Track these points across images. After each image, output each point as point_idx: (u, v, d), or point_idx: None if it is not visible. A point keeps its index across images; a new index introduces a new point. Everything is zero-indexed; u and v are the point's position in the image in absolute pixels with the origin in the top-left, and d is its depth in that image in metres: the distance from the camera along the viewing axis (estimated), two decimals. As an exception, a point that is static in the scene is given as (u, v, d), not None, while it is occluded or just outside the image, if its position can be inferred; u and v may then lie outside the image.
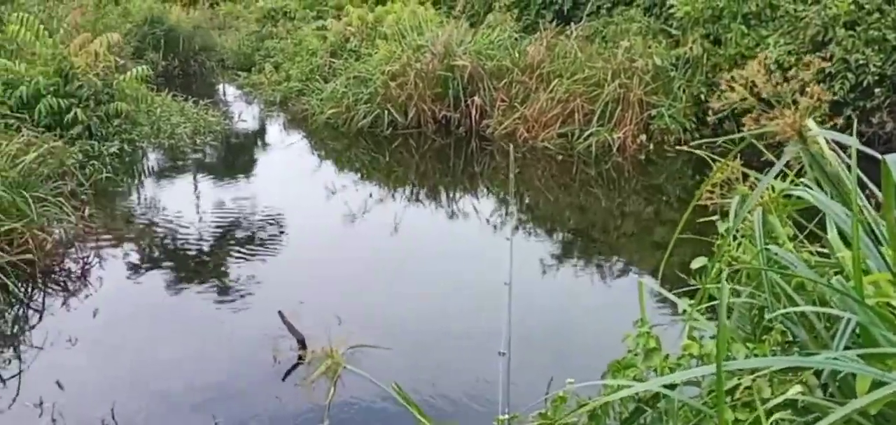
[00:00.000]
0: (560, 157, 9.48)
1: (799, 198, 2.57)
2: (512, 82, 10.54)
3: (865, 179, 2.41)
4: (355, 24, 13.22)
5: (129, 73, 9.83)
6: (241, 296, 5.54)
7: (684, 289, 3.05)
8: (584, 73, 9.90)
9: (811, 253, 2.64)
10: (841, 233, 2.38)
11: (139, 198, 8.37)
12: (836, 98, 8.39)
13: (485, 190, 8.88)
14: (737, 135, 7.44)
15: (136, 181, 8.87)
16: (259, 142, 11.60)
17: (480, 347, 4.18)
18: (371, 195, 8.28)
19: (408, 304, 5.32)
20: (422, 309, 5.25)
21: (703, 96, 9.41)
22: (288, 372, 4.29)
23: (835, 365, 1.89)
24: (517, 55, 10.85)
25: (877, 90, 8.62)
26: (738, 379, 2.10)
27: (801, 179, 2.67)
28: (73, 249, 6.33)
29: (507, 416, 2.31)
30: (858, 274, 1.96)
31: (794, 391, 1.87)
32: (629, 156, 9.33)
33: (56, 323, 5.09)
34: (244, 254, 6.45)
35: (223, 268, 6.16)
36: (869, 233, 2.19)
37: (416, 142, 10.58)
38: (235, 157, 10.53)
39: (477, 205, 8.04)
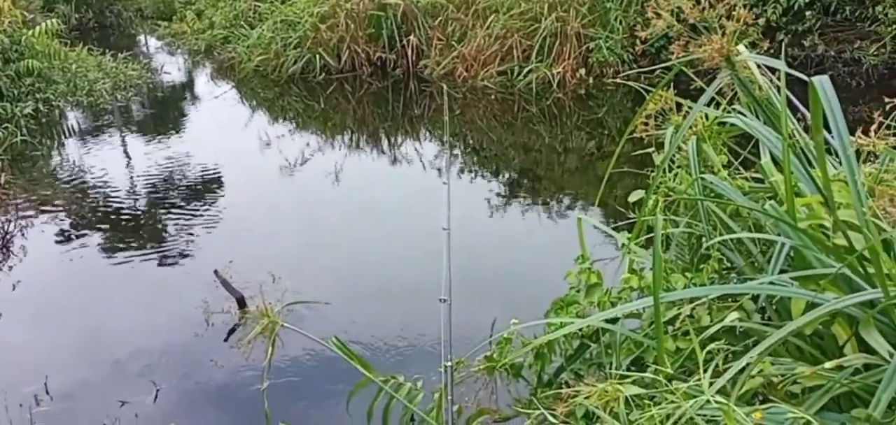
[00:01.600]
0: (500, 96, 9.49)
1: (732, 125, 2.63)
2: (447, 20, 10.45)
3: (797, 102, 2.47)
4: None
5: (38, 28, 9.37)
6: (176, 257, 5.44)
7: (624, 223, 3.12)
8: (520, 8, 9.87)
9: (746, 179, 2.70)
10: (774, 159, 2.45)
11: (60, 160, 8.06)
12: (770, 22, 8.58)
13: (426, 133, 8.85)
14: (666, 65, 7.56)
15: (56, 143, 8.55)
16: (185, 95, 11.28)
17: (421, 295, 4.21)
18: (307, 144, 8.17)
19: (347, 256, 5.31)
20: (361, 260, 5.25)
21: (639, 26, 9.49)
22: (229, 333, 4.26)
23: (770, 290, 1.96)
24: (451, -9, 10.75)
25: (808, 13, 8.84)
26: (678, 308, 2.16)
27: (735, 106, 2.73)
28: (-11, 219, 6.09)
29: (451, 362, 2.33)
30: (790, 197, 2.02)
31: (732, 317, 1.94)
32: (569, 91, 9.39)
33: (-24, 298, 4.91)
34: (176, 212, 6.31)
35: (155, 229, 6.02)
36: (801, 156, 2.25)
37: (352, 87, 10.45)
38: (161, 112, 10.22)
39: (418, 150, 8.01)
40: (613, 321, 2.26)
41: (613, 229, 2.94)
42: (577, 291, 2.58)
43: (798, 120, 2.47)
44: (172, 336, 4.32)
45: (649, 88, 3.37)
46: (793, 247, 2.11)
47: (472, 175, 7.20)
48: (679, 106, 2.78)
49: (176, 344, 4.24)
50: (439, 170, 7.23)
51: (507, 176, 7.23)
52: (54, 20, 9.78)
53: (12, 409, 3.68)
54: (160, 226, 6.08)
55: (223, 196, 6.74)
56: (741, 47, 2.05)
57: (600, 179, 6.75)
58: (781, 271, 2.12)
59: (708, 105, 2.46)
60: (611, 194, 5.22)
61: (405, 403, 2.42)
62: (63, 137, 8.78)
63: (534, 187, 6.90)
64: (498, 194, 6.57)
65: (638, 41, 6.05)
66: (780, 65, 1.97)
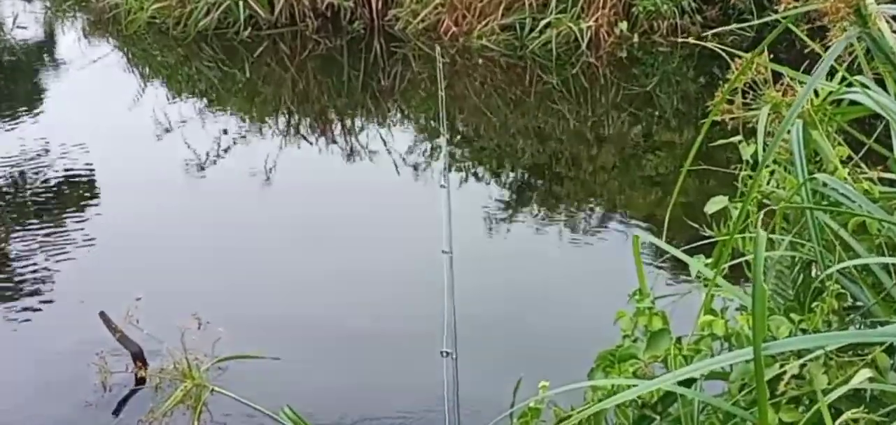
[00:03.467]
0: (506, 61, 9.56)
1: (853, 103, 2.67)
2: (429, -48, 10.52)
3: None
4: None
5: None
6: (43, 296, 5.43)
7: (692, 244, 3.16)
8: (534, -66, 9.97)
9: (872, 181, 2.74)
10: (914, 151, 2.50)
11: None
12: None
13: (399, 114, 8.89)
14: (759, 22, 7.61)
15: None
16: (48, 60, 11.27)
17: (412, 345, 4.24)
18: (225, 131, 8.19)
19: (299, 292, 5.32)
20: (321, 296, 5.26)
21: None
22: (123, 401, 4.26)
23: (914, 336, 2.00)
24: None
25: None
26: (781, 365, 2.20)
27: (855, 78, 2.78)
28: None
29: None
30: (942, 206, 2.07)
31: (860, 377, 1.97)
32: (605, 53, 9.48)
33: None
34: (40, 230, 6.29)
35: (10, 255, 6.00)
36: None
37: (291, 48, 10.49)
38: (14, 85, 10.20)
39: (389, 139, 8.05)
40: (689, 383, 2.29)
41: (684, 252, 2.97)
42: (634, 340, 2.61)
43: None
44: (40, 408, 4.32)
45: (728, 50, 3.43)
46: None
47: (469, 176, 7.24)
48: (776, 77, 2.83)
49: (47, 419, 4.24)
50: (420, 167, 7.26)
51: (518, 177, 7.29)
52: None
53: None
54: (15, 250, 6.06)
55: (104, 204, 6.72)
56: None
57: (650, 180, 6.89)
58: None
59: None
60: (663, 203, 5.27)
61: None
62: None
63: (557, 193, 6.95)
64: (507, 204, 6.62)
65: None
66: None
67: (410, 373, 4.14)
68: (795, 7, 2.16)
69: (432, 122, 7.79)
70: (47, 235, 6.21)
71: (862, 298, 2.39)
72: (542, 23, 9.69)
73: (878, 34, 2.22)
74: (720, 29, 8.49)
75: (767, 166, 2.83)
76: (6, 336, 5.02)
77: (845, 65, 2.76)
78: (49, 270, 5.71)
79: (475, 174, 7.28)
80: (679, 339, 2.54)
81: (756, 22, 7.55)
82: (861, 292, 2.40)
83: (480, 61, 9.64)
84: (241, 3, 10.64)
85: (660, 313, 2.60)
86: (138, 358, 4.32)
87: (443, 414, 2.50)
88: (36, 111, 9.16)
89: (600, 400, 2.45)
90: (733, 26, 8.48)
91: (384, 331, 4.82)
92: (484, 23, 9.93)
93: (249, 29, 10.65)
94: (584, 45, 9.50)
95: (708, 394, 2.32)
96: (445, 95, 8.29)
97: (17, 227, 6.36)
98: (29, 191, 7.01)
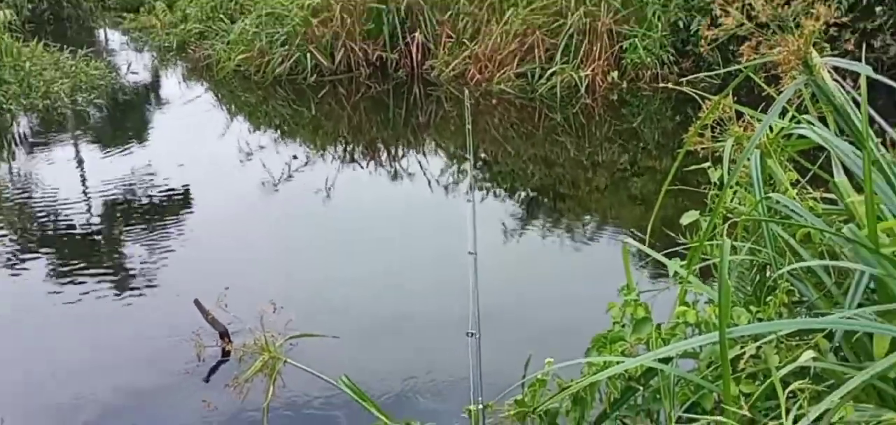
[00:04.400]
0: (519, 102, 9.56)
1: (801, 137, 2.67)
2: (458, 14, 10.55)
3: (875, 115, 2.52)
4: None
5: (-13, 20, 9.51)
6: (147, 286, 5.48)
7: (670, 249, 3.16)
8: (542, 1, 9.96)
9: (816, 200, 2.74)
10: (849, 176, 2.49)
11: (10, 170, 8.14)
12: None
13: (433, 144, 8.91)
14: (724, 71, 7.55)
15: (6, 152, 8.63)
16: (154, 99, 11.39)
17: (444, 328, 4.26)
18: (295, 157, 8.24)
19: (353, 284, 5.34)
20: (371, 287, 5.28)
21: (681, 22, 9.57)
22: (212, 371, 4.31)
23: (849, 325, 1.99)
24: (463, -19, 10.86)
25: (877, 9, 8.90)
26: (741, 347, 2.20)
27: (801, 116, 2.78)
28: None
29: (479, 405, 2.37)
30: (873, 220, 2.06)
31: (806, 356, 1.97)
32: (599, 96, 9.47)
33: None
34: (146, 235, 6.36)
35: (122, 254, 6.07)
36: (881, 174, 2.29)
37: (347, 91, 10.54)
38: (127, 118, 10.32)
39: (425, 164, 8.07)
40: (667, 360, 2.29)
41: (663, 255, 2.97)
42: (622, 326, 2.62)
43: (875, 134, 2.51)
44: (145, 376, 4.35)
45: (700, 93, 3.43)
46: (874, 278, 2.15)
47: (489, 193, 7.25)
48: (739, 114, 2.83)
49: (150, 385, 4.27)
50: (449, 186, 7.28)
51: (529, 194, 7.29)
52: (5, 11, 9.92)
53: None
54: (126, 250, 6.13)
55: (198, 215, 6.79)
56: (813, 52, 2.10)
57: (636, 198, 6.87)
58: (860, 305, 2.16)
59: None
60: (646, 216, 5.26)
61: (425, 453, 2.46)
62: (14, 145, 8.86)
63: (560, 208, 6.95)
64: (520, 216, 6.62)
65: (698, 40, 6.10)
66: (865, 68, 2.02)
67: (442, 350, 4.17)
68: (754, 59, 2.17)
69: (460, 150, 7.82)
70: (152, 238, 6.28)
71: (807, 294, 2.39)
72: (549, 72, 9.70)
73: (822, 81, 2.22)
74: (693, 77, 8.47)
75: (731, 187, 2.83)
76: (120, 318, 5.08)
77: (795, 106, 2.76)
78: (154, 266, 5.77)
79: (495, 192, 7.28)
80: (659, 326, 2.54)
81: (722, 70, 7.52)
82: (806, 289, 2.40)
83: (499, 102, 9.65)
84: (308, 55, 10.71)
85: (643, 304, 2.60)
86: (225, 336, 4.36)
87: (468, 383, 2.51)
88: (144, 140, 9.28)
89: (595, 374, 2.45)
90: (703, 74, 8.46)
91: (421, 316, 4.84)
92: (502, 71, 9.95)
93: (314, 75, 10.72)
94: (582, 90, 9.50)
95: (682, 370, 2.32)
96: (471, 129, 8.31)
97: (129, 232, 6.44)
98: (138, 203, 7.09)
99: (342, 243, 6.10)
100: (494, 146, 8.59)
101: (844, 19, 2.33)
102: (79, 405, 4.13)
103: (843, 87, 2.43)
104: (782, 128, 2.71)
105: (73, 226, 6.59)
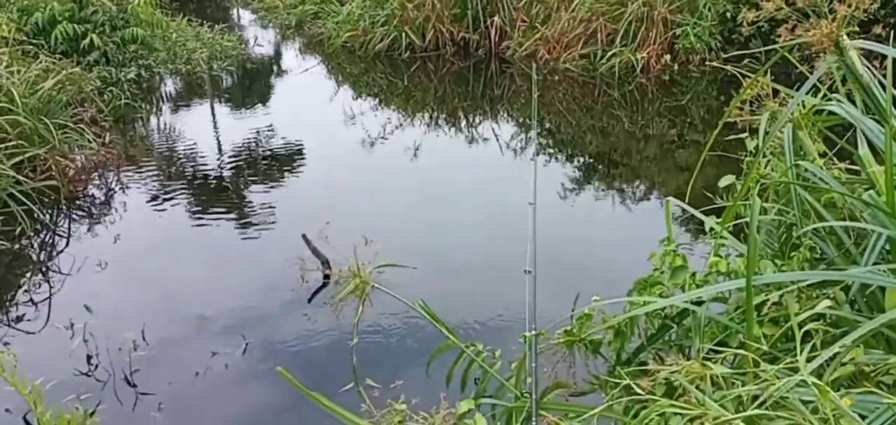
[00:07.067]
0: (582, 79, 9.38)
1: (830, 113, 2.55)
2: (532, 2, 10.36)
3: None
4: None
5: (142, -2, 9.78)
6: (264, 222, 5.63)
7: (710, 208, 3.07)
8: (607, -9, 9.71)
9: (841, 170, 2.63)
10: (873, 150, 2.37)
11: (158, 124, 8.42)
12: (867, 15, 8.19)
13: (505, 113, 8.84)
14: (764, 50, 7.29)
15: (155, 107, 8.92)
16: (276, 68, 11.56)
17: (505, 267, 4.26)
18: (389, 120, 8.28)
19: (431, 227, 5.39)
20: (446, 231, 5.33)
21: (729, 13, 9.22)
22: (314, 293, 4.41)
23: (865, 278, 1.91)
24: (538, -27, 10.64)
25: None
26: (766, 294, 2.13)
27: (832, 94, 2.65)
28: (95, 176, 6.42)
29: (533, 332, 2.36)
30: (891, 188, 1.96)
31: (823, 305, 1.89)
32: (653, 77, 9.21)
33: (82, 248, 5.20)
34: (264, 180, 6.52)
35: (244, 195, 6.24)
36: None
37: (435, 66, 10.50)
38: (252, 83, 10.52)
39: (497, 130, 8.02)
40: (698, 303, 2.24)
41: (703, 214, 2.89)
42: (661, 273, 2.57)
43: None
44: (259, 295, 4.49)
45: (743, 72, 3.31)
46: (889, 239, 2.05)
47: (553, 157, 7.18)
48: (775, 92, 2.71)
49: (263, 302, 4.41)
50: (517, 150, 7.23)
51: (587, 159, 7.17)
52: (157, -9, 10.18)
53: (113, 352, 3.90)
54: (248, 192, 6.30)
55: (308, 166, 6.91)
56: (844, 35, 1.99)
57: (681, 167, 6.69)
58: (874, 264, 2.06)
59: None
60: (689, 182, 5.12)
61: (485, 367, 2.46)
62: (162, 103, 9.15)
63: (613, 172, 6.83)
64: (577, 178, 6.53)
65: (739, 26, 5.86)
66: (893, 52, 1.91)
67: (504, 283, 4.19)
68: (790, 41, 2.07)
69: (527, 119, 7.72)
70: (270, 184, 6.44)
71: (828, 252, 2.30)
72: (610, 53, 9.47)
73: (851, 62, 2.11)
74: (735, 54, 8.15)
75: (764, 155, 2.73)
76: (239, 251, 5.23)
77: (826, 85, 2.64)
78: (270, 206, 5.91)
79: (556, 156, 7.20)
80: (693, 273, 2.48)
81: (763, 49, 7.24)
82: (827, 248, 2.30)
83: (563, 79, 9.48)
84: (403, 35, 10.71)
85: (681, 254, 2.55)
86: (325, 264, 4.46)
87: (524, 315, 2.50)
88: (266, 102, 9.45)
89: (635, 310, 2.42)
90: (746, 54, 8.12)
91: (487, 255, 4.86)
92: (568, 52, 9.75)
93: (408, 52, 10.71)
94: (638, 70, 9.26)
95: (712, 312, 2.27)
96: (538, 102, 8.20)
97: (251, 179, 6.60)
98: (259, 155, 7.26)
99: (425, 192, 6.14)
100: (557, 117, 8.46)
101: (881, 11, 2.21)
102: (206, 316, 4.29)
103: (871, 69, 2.31)
104: (814, 105, 2.59)
105: (208, 171, 6.80)
